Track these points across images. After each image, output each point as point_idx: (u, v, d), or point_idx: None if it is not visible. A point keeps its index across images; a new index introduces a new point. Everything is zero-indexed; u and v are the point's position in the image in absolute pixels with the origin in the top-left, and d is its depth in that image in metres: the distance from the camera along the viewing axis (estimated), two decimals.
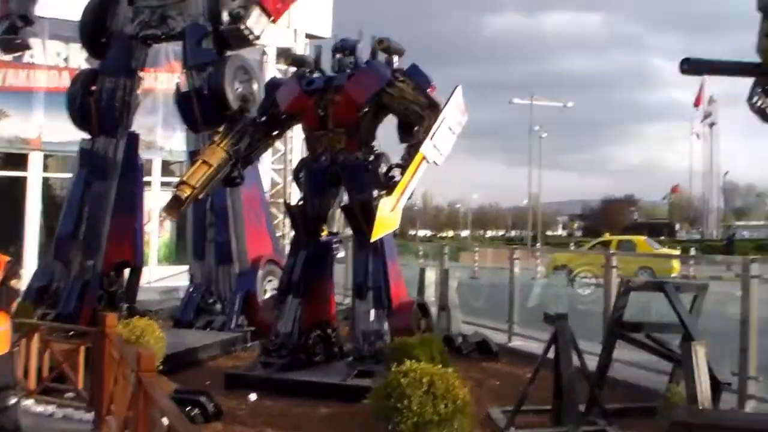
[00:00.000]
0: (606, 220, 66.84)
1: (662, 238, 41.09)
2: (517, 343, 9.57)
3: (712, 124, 60.48)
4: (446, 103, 6.93)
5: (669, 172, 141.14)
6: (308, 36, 19.29)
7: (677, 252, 28.54)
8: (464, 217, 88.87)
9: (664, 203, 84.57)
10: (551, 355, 5.69)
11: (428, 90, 7.13)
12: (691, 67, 3.08)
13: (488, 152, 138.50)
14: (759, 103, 3.34)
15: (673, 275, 18.72)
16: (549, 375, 5.80)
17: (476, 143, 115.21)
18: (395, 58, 7.39)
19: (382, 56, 7.43)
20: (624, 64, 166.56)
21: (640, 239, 28.43)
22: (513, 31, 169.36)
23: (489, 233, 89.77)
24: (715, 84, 61.63)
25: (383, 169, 7.21)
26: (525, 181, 59.32)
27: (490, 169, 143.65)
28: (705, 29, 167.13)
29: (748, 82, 3.96)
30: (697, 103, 60.03)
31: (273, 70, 17.89)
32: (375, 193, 7.02)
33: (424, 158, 6.69)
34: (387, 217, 6.32)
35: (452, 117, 6.95)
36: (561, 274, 19.46)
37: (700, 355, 4.10)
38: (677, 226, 68.18)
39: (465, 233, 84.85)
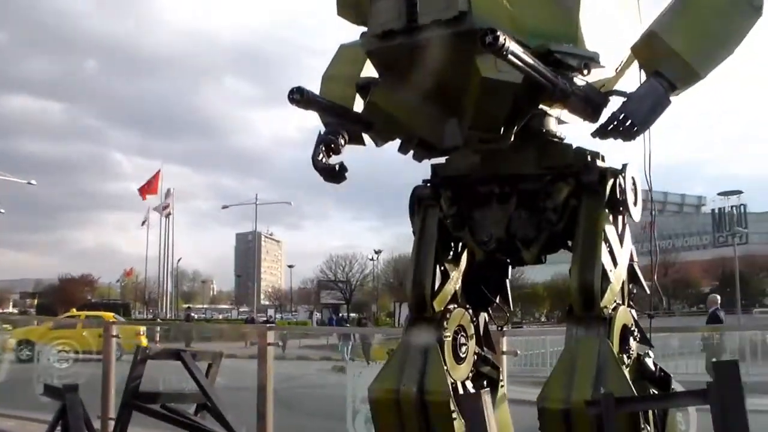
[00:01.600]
0: (62, 298, 67.28)
1: (118, 317, 41.75)
2: None
3: (168, 215, 65.90)
4: None
5: (123, 256, 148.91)
6: None
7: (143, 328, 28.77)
8: None
9: (117, 285, 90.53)
10: None
11: None
12: (303, 99, 2.97)
13: None
14: (323, 160, 3.32)
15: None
16: None
17: None
18: None
19: None
20: (85, 154, 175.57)
21: (109, 315, 28.41)
22: None
23: None
24: (170, 179, 65.22)
25: None
26: None
27: None
28: (162, 132, 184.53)
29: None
30: (147, 192, 62.88)
31: None
32: None
33: None
34: None
35: None
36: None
37: None
38: (131, 306, 73.19)
39: None
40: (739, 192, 75.44)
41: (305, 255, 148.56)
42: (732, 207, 75.25)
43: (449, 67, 2.75)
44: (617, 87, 3.01)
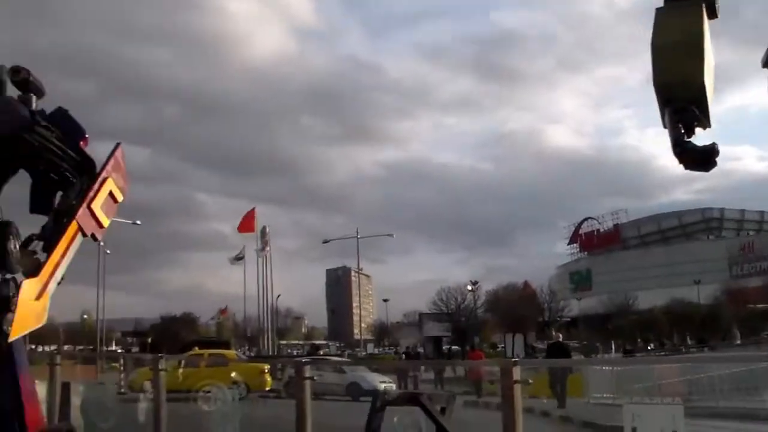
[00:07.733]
0: (166, 337, 68.07)
1: (241, 355, 41.83)
2: None
3: (266, 254, 63.99)
4: (106, 162, 5.34)
5: (214, 295, 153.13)
6: None
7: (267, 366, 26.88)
8: None
9: (212, 323, 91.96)
10: None
11: (80, 143, 5.40)
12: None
13: None
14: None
15: (267, 388, 21.63)
16: None
17: None
18: (33, 98, 5.43)
19: (12, 91, 5.41)
20: (169, 196, 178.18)
21: (231, 353, 30.44)
22: None
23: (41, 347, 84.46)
24: (264, 217, 65.59)
25: (14, 243, 5.12)
26: (74, 297, 57.01)
27: None
28: (242, 172, 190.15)
29: None
30: (244, 231, 62.49)
31: None
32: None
33: (79, 229, 4.98)
34: (31, 307, 4.44)
35: (114, 180, 5.37)
36: None
37: None
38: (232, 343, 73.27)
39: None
40: None
41: (393, 289, 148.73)
42: None
43: None
44: None
